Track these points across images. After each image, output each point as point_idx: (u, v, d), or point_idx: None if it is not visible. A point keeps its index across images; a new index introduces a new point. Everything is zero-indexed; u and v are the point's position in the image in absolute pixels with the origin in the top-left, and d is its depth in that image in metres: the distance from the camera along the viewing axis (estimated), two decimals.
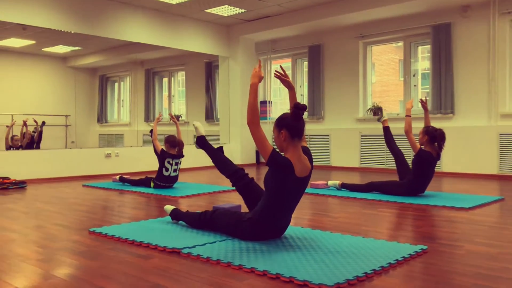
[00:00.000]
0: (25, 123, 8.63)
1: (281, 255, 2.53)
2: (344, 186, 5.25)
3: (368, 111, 8.26)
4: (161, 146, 5.69)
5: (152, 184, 5.67)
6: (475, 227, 3.42)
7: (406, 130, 4.73)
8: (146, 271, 2.35)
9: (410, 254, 2.55)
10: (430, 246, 2.81)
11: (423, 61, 8.02)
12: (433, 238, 3.06)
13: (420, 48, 7.98)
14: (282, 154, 2.74)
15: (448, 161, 7.29)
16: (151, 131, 5.88)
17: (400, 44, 8.13)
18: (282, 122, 2.76)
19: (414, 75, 7.92)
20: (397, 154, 5.07)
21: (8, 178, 6.14)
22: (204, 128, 3.59)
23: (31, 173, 6.68)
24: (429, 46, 7.60)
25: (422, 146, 4.73)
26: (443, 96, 7.30)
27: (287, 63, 9.90)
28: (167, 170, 5.56)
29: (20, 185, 5.97)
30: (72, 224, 3.59)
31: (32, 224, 3.62)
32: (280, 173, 2.66)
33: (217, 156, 3.32)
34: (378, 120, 5.34)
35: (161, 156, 5.59)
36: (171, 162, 5.56)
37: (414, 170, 4.73)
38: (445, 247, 2.81)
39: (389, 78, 11.58)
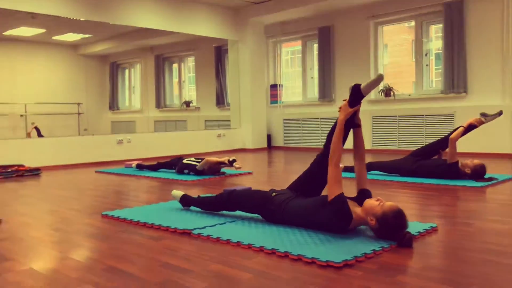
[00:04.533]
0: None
1: (289, 235, 2.55)
2: (346, 169, 5.11)
3: (380, 92, 8.19)
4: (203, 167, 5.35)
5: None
6: (486, 205, 3.40)
7: (452, 138, 4.66)
8: (157, 252, 2.38)
9: (419, 231, 2.55)
10: (440, 224, 2.80)
11: (436, 41, 7.88)
12: (443, 217, 3.05)
13: (433, 27, 7.83)
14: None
15: (461, 141, 7.15)
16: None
17: (413, 23, 8.00)
18: (387, 231, 2.40)
19: (426, 55, 7.81)
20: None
21: (22, 166, 6.25)
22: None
23: (46, 160, 6.78)
24: (441, 25, 7.47)
25: (465, 169, 4.53)
26: (455, 75, 7.19)
27: (297, 46, 9.83)
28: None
29: (34, 172, 6.07)
30: (85, 208, 3.65)
31: (47, 209, 3.69)
32: (334, 216, 2.50)
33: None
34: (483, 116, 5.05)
35: (180, 161, 5.59)
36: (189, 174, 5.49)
37: (438, 173, 4.63)
38: (456, 225, 2.80)
39: (403, 59, 11.42)
